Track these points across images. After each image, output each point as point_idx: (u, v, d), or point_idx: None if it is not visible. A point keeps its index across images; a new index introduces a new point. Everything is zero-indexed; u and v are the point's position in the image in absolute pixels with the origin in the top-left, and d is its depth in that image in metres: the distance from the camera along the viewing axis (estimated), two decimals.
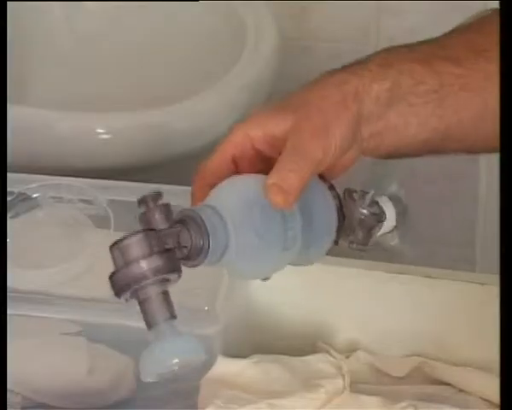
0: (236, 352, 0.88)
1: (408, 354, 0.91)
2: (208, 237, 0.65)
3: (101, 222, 0.93)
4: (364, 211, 0.73)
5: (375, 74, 0.75)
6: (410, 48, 0.77)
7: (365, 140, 0.74)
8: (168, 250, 0.64)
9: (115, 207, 0.95)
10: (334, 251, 0.92)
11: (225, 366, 0.85)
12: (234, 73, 1.26)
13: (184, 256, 0.66)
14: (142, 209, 0.66)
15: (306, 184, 0.70)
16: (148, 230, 0.64)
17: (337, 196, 0.72)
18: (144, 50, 1.45)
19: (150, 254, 0.63)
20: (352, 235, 0.74)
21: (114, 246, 0.64)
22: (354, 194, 0.74)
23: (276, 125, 0.72)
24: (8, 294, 0.84)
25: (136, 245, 0.63)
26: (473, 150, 0.83)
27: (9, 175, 0.94)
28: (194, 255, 0.66)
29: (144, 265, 0.63)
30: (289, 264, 0.73)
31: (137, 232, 0.64)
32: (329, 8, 1.59)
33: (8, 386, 0.87)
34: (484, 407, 0.87)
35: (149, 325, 0.64)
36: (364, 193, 0.74)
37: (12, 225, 0.96)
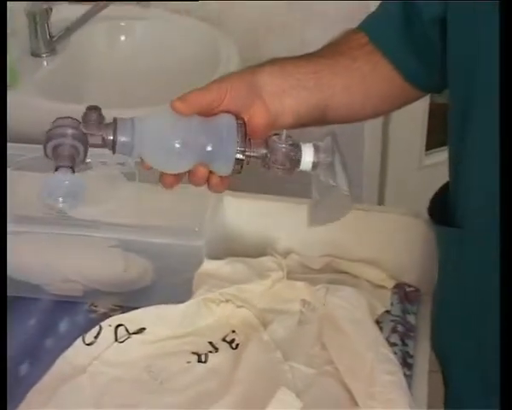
0: (216, 256, 0.86)
1: (323, 255, 0.91)
2: (116, 133, 0.64)
3: (130, 177, 0.91)
4: (283, 145, 0.67)
5: (266, 66, 0.73)
6: (293, 57, 0.75)
7: (268, 99, 0.70)
8: (83, 133, 0.64)
9: (139, 168, 0.86)
10: (276, 191, 0.92)
11: (209, 265, 0.85)
12: None
13: (101, 142, 0.65)
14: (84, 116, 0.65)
15: (202, 101, 0.66)
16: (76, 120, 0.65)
17: (242, 128, 0.66)
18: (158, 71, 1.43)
19: (71, 127, 0.64)
20: (282, 165, 0.67)
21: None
22: (274, 136, 0.68)
23: None
24: (67, 221, 0.85)
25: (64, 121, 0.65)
26: (348, 118, 0.79)
27: None
28: (110, 145, 0.65)
29: (65, 130, 0.64)
30: (217, 170, 0.67)
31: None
32: None
33: (74, 277, 0.87)
34: (367, 286, 0.87)
35: (56, 167, 0.63)
36: (281, 134, 0.68)
37: None
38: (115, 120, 0.66)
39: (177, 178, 0.68)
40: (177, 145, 0.66)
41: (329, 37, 0.80)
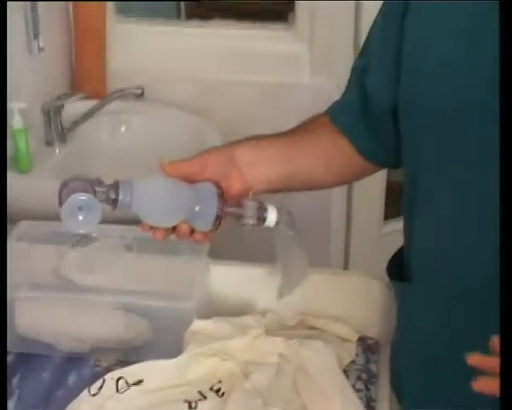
0: (203, 316, 0.86)
1: (296, 313, 0.90)
2: (118, 193, 0.66)
3: (129, 248, 0.91)
4: (253, 206, 0.71)
5: (242, 141, 0.75)
6: (266, 134, 0.77)
7: (244, 170, 0.72)
8: (94, 190, 0.66)
9: (137, 241, 0.93)
10: (258, 259, 0.93)
11: (198, 324, 0.85)
12: None
13: (105, 199, 0.66)
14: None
15: (186, 170, 0.69)
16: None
17: (221, 195, 0.69)
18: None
19: (81, 180, 0.66)
20: (252, 222, 0.71)
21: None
22: (246, 199, 0.71)
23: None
24: (75, 287, 0.85)
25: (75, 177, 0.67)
26: (313, 186, 0.80)
27: None
28: (112, 202, 0.67)
29: (76, 182, 0.66)
30: (198, 227, 0.70)
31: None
32: None
33: (81, 337, 0.86)
34: (335, 339, 0.87)
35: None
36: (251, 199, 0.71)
37: (81, 251, 0.92)
38: (117, 181, 0.68)
39: (167, 232, 0.71)
40: (168, 205, 0.69)
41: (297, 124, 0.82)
